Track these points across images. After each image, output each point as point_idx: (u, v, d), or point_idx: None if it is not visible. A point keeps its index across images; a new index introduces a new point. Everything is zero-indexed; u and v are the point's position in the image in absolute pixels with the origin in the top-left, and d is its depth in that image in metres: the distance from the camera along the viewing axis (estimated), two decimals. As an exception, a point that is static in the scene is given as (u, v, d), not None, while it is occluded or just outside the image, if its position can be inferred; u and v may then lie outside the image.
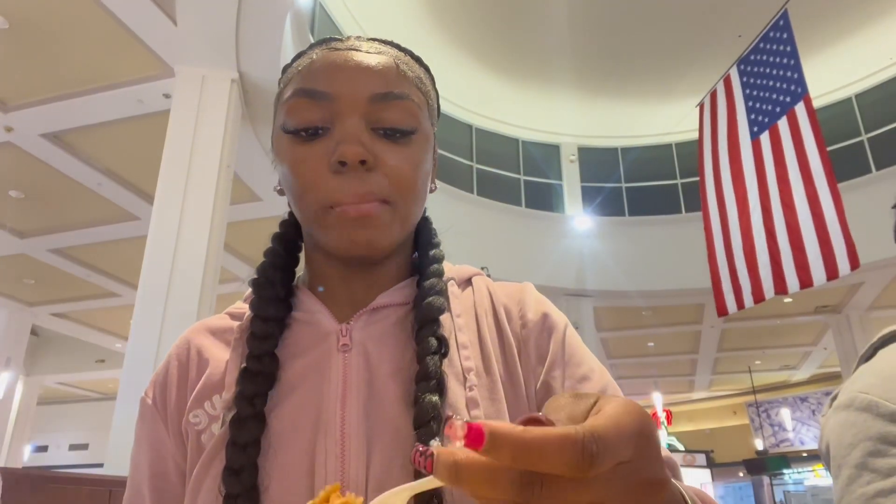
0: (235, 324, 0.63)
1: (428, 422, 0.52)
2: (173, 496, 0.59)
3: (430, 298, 0.60)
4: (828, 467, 0.86)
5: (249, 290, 0.67)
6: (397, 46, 0.64)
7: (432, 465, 0.28)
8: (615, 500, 0.28)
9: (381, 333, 0.60)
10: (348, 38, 0.63)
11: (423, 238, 0.68)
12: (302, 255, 0.68)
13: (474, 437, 0.26)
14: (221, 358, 0.61)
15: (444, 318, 0.60)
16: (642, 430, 0.29)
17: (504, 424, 0.27)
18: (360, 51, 0.60)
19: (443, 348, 0.57)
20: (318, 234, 0.59)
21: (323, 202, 0.56)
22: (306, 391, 0.57)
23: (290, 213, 0.68)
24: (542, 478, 0.27)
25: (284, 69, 0.66)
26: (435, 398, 0.53)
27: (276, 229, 0.68)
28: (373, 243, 0.57)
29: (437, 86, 0.68)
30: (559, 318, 0.65)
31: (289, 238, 0.67)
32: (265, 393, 0.55)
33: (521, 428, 0.26)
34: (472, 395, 0.56)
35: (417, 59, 0.65)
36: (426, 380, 0.54)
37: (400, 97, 0.59)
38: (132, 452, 0.63)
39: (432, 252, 0.66)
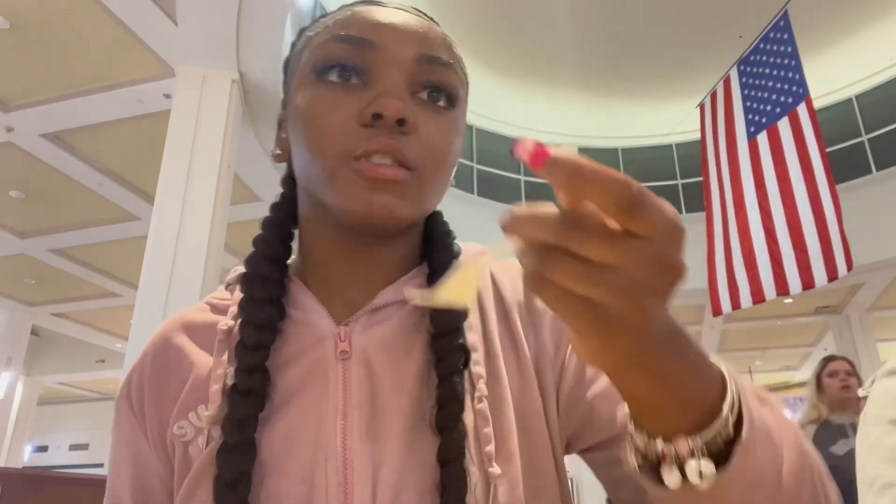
0: (218, 319, 0.56)
1: (456, 457, 0.46)
2: None
3: None
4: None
5: (232, 274, 0.61)
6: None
7: (544, 151, 0.29)
8: (637, 269, 0.29)
9: (384, 337, 0.53)
10: (390, 1, 0.56)
11: (436, 226, 0.60)
12: (293, 244, 0.60)
13: (538, 155, 0.28)
14: (204, 362, 0.54)
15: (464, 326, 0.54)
16: (676, 222, 0.30)
17: (567, 151, 0.28)
18: (409, 13, 0.55)
19: (467, 362, 0.51)
20: (329, 197, 0.51)
21: (345, 152, 0.49)
22: (301, 407, 0.50)
23: (282, 195, 0.61)
24: (583, 221, 0.28)
25: (304, 28, 0.58)
26: (462, 426, 0.47)
27: (267, 214, 0.61)
28: (391, 210, 0.49)
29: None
30: None
31: (282, 225, 0.59)
32: (255, 416, 0.48)
33: (576, 155, 0.28)
34: (481, 407, 0.50)
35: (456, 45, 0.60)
36: (452, 404, 0.48)
37: (447, 65, 0.53)
38: (110, 459, 0.57)
39: (450, 244, 0.59)
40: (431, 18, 0.58)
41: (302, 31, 0.59)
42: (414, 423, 0.49)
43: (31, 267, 8.25)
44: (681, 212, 9.78)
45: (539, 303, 0.56)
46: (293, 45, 0.59)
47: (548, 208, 0.29)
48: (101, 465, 4.17)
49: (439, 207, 0.60)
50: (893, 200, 7.90)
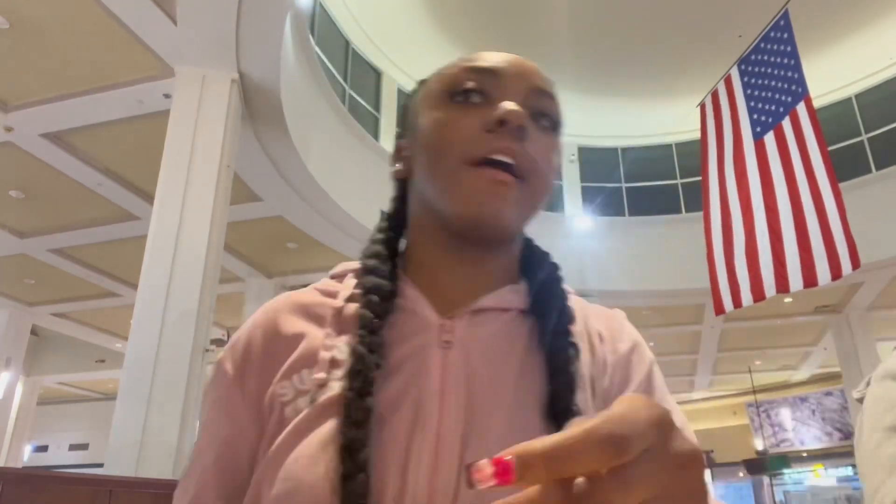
0: (327, 300, 0.62)
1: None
2: (238, 469, 0.57)
3: (564, 305, 0.61)
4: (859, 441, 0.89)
5: (339, 268, 0.67)
6: None
7: (509, 467, 0.27)
8: (657, 486, 0.28)
9: (485, 336, 0.58)
10: None
11: (531, 246, 0.70)
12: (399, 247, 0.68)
13: (503, 469, 0.26)
14: (314, 333, 0.59)
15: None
16: (661, 414, 0.29)
17: (523, 444, 0.26)
18: (522, 57, 0.65)
19: (577, 356, 0.57)
20: (445, 200, 0.58)
21: (468, 154, 0.56)
22: (404, 380, 0.55)
23: (392, 207, 0.68)
24: (587, 488, 0.27)
25: (423, 81, 0.68)
26: (579, 408, 0.53)
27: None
28: (500, 214, 0.56)
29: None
30: (647, 352, 0.65)
31: (391, 229, 0.67)
32: (372, 372, 0.54)
33: (538, 440, 0.27)
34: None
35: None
36: (570, 389, 0.54)
37: (553, 98, 0.63)
38: (203, 418, 0.61)
39: (551, 258, 0.67)
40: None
41: (424, 81, 0.67)
42: (504, 412, 0.53)
43: (31, 267, 8.26)
44: (680, 211, 9.80)
45: (622, 347, 0.63)
46: (419, 82, 0.68)
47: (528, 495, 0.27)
48: (100, 465, 4.16)
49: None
50: (893, 200, 7.90)
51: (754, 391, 14.70)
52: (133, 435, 3.88)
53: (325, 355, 0.56)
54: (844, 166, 7.93)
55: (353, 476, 0.49)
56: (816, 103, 5.32)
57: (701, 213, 6.14)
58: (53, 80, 5.17)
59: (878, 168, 8.48)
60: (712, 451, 14.35)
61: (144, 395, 3.96)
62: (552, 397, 0.54)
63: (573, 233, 9.46)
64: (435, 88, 0.62)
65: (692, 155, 9.07)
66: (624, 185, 10.39)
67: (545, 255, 0.68)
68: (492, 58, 0.62)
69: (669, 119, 9.70)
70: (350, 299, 0.60)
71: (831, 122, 8.73)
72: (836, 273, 4.59)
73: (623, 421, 0.28)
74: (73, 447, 14.54)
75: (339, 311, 0.60)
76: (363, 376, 0.53)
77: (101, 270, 8.41)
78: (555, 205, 10.21)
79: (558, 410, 0.53)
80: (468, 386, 0.55)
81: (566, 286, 0.67)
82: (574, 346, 0.58)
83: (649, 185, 10.34)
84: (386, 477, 0.50)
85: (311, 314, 0.61)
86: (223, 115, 4.80)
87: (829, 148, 4.97)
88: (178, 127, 4.74)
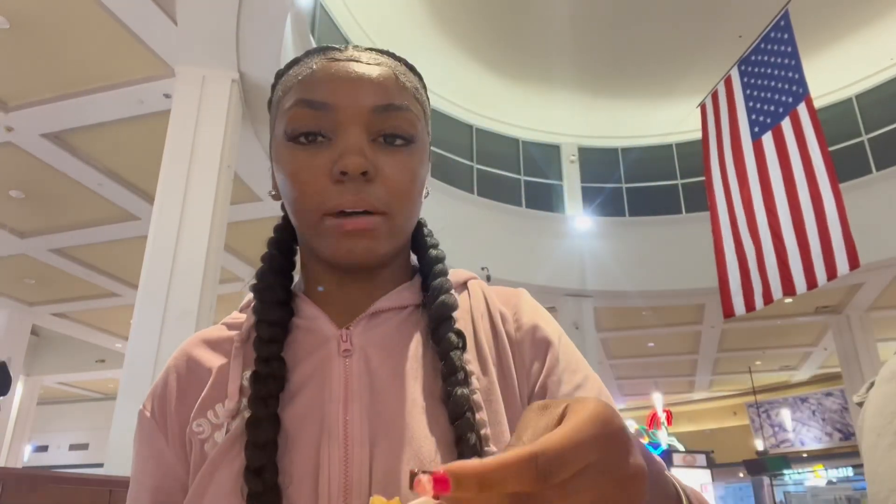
0: (233, 333, 0.64)
1: (463, 414, 0.54)
2: None
3: (444, 297, 0.61)
4: (861, 442, 0.86)
5: (245, 299, 0.68)
6: (393, 56, 0.65)
7: (444, 479, 0.28)
8: (595, 496, 0.30)
9: (382, 337, 0.61)
10: (346, 47, 0.64)
11: (419, 240, 0.69)
12: (297, 260, 0.69)
13: (441, 483, 0.28)
14: (221, 369, 0.61)
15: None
16: (606, 432, 0.31)
17: (462, 463, 0.28)
18: (361, 62, 0.61)
19: (462, 343, 0.59)
20: (314, 242, 0.60)
21: (322, 209, 0.57)
22: (309, 396, 0.57)
23: (284, 217, 0.68)
24: (524, 496, 0.29)
25: (279, 74, 0.66)
26: (466, 391, 0.55)
27: (272, 235, 0.69)
28: (370, 252, 0.58)
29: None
30: (553, 325, 0.66)
31: (285, 242, 0.68)
32: (276, 395, 0.56)
33: (478, 462, 0.28)
34: (475, 397, 0.57)
35: (412, 68, 0.67)
36: (453, 374, 0.56)
37: (400, 108, 0.60)
38: (132, 467, 0.63)
39: (434, 253, 0.67)
40: (386, 52, 0.65)
41: (279, 75, 0.66)
42: (407, 408, 0.56)
43: (31, 267, 8.26)
44: (680, 211, 9.79)
45: (525, 319, 0.65)
46: (273, 87, 0.67)
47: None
48: (100, 465, 4.16)
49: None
50: (893, 200, 7.90)
51: (754, 391, 14.71)
52: (133, 434, 3.87)
53: (233, 388, 0.59)
54: (845, 166, 7.92)
55: (260, 497, 0.51)
56: (817, 103, 5.32)
57: (701, 214, 6.15)
58: (53, 80, 5.17)
59: (878, 168, 8.47)
60: (712, 452, 14.34)
61: (144, 396, 3.95)
62: (442, 385, 0.57)
63: (573, 233, 9.45)
64: (281, 122, 0.61)
65: (692, 155, 9.06)
66: (624, 185, 10.39)
67: (430, 246, 0.68)
68: (325, 82, 0.60)
69: (670, 119, 9.70)
70: (252, 328, 0.62)
71: (832, 122, 8.73)
72: (831, 273, 4.59)
73: (563, 447, 0.29)
74: (73, 447, 14.54)
75: (242, 342, 0.62)
76: (262, 403, 0.55)
77: (101, 270, 8.41)
78: (555, 205, 10.21)
79: (446, 398, 0.56)
80: (371, 389, 0.57)
81: (461, 272, 0.69)
82: (457, 332, 0.59)
83: (649, 185, 10.34)
84: (298, 492, 0.53)
85: (218, 350, 0.64)
86: (223, 115, 4.80)
87: (830, 148, 4.97)
88: (179, 127, 4.73)
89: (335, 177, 0.57)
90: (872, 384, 0.87)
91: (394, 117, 0.60)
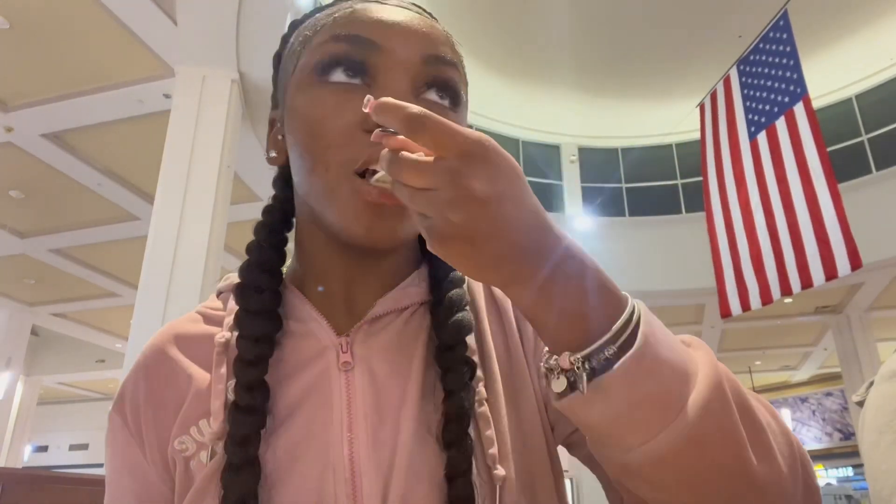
0: (212, 330, 0.55)
1: (464, 472, 0.46)
2: None
3: (460, 315, 0.52)
4: (861, 442, 0.86)
5: (224, 282, 0.60)
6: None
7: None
8: (443, 186, 0.36)
9: (385, 345, 0.52)
10: None
11: None
12: (289, 248, 0.59)
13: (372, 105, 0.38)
14: (202, 376, 0.52)
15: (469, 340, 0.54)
16: (467, 136, 0.37)
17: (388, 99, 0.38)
18: (410, 10, 0.54)
19: (470, 374, 0.50)
20: (328, 214, 0.50)
21: (347, 162, 0.48)
22: (306, 420, 0.49)
23: (275, 198, 0.59)
24: (398, 156, 0.38)
25: (295, 24, 0.57)
26: (470, 442, 0.47)
27: (260, 219, 0.59)
28: (393, 234, 0.49)
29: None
30: None
31: (275, 229, 0.58)
32: (258, 432, 0.48)
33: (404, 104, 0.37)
34: (482, 410, 0.50)
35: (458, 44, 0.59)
36: (459, 419, 0.48)
37: (451, 64, 0.53)
38: (107, 478, 0.55)
39: None
40: (431, 15, 0.57)
41: (295, 25, 0.58)
42: (420, 434, 0.48)
43: (31, 267, 8.26)
44: (680, 211, 9.79)
45: None
46: (285, 39, 0.58)
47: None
48: (100, 465, 4.13)
49: None
50: (893, 200, 7.90)
51: (754, 391, 14.69)
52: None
53: (217, 404, 0.50)
54: (844, 167, 7.92)
55: None
56: (816, 104, 5.32)
57: (701, 214, 6.14)
58: (53, 80, 5.17)
59: (878, 168, 8.47)
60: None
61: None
62: (445, 422, 0.49)
63: (573, 233, 9.36)
64: (306, 60, 0.52)
65: (692, 155, 9.06)
66: (624, 185, 10.39)
67: None
68: (370, 21, 0.51)
69: (670, 119, 9.69)
70: (234, 328, 0.53)
71: (831, 122, 8.73)
72: (830, 273, 4.59)
73: (442, 122, 0.36)
74: (73, 447, 14.54)
75: (224, 347, 0.52)
76: (240, 444, 0.47)
77: (101, 270, 8.41)
78: (555, 205, 10.21)
79: (447, 439, 0.48)
80: (377, 409, 0.49)
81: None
82: (466, 361, 0.51)
83: (649, 185, 10.34)
84: None
85: (195, 351, 0.54)
86: (223, 115, 4.80)
87: (830, 148, 4.97)
88: (179, 127, 4.73)
89: (370, 125, 0.46)
90: (872, 383, 0.87)
91: (444, 70, 0.52)
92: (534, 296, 0.38)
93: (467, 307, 0.54)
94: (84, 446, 14.37)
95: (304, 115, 0.50)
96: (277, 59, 0.59)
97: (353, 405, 0.49)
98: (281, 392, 0.50)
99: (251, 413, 0.48)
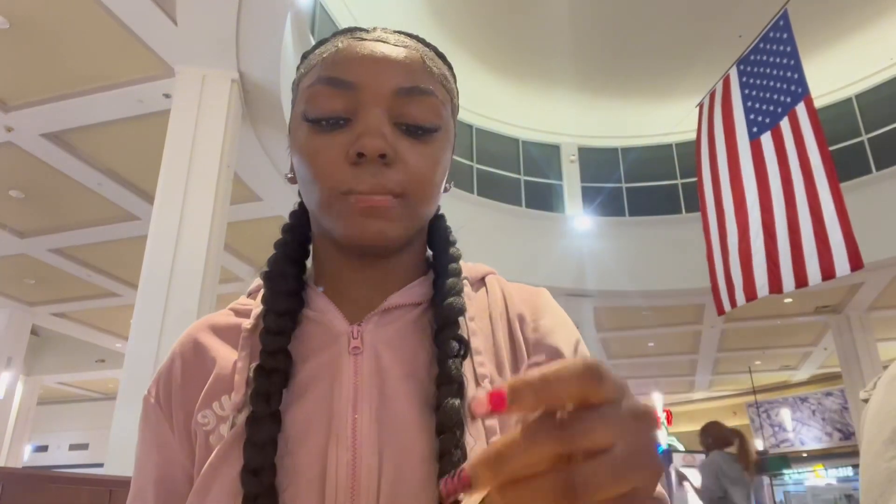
0: (241, 321, 0.62)
1: (451, 427, 0.51)
2: (179, 500, 0.57)
3: (451, 299, 0.59)
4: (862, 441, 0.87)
5: (254, 284, 0.66)
6: (423, 41, 0.63)
7: (467, 477, 0.28)
8: (619, 429, 0.30)
9: (394, 335, 0.59)
10: (374, 28, 0.62)
11: (438, 235, 0.66)
12: (311, 248, 0.67)
13: (497, 398, 0.29)
14: (228, 357, 0.59)
15: (460, 322, 0.59)
16: (622, 381, 0.32)
17: (515, 377, 0.29)
18: (388, 42, 0.59)
19: (463, 350, 0.56)
20: (327, 223, 0.57)
21: (336, 189, 0.55)
22: (317, 395, 0.55)
23: (300, 204, 0.67)
24: (572, 417, 0.29)
25: (305, 55, 0.64)
26: (457, 402, 0.52)
27: (277, 228, 0.67)
28: (383, 234, 0.55)
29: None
30: (571, 331, 0.64)
31: (299, 229, 0.66)
32: (280, 392, 0.54)
33: (530, 371, 0.29)
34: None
35: (441, 56, 0.64)
36: (448, 384, 0.53)
37: (425, 92, 0.57)
38: (136, 453, 0.61)
39: (451, 251, 0.65)
40: (415, 36, 0.62)
41: (305, 56, 0.64)
42: (419, 408, 0.54)
43: (31, 267, 8.25)
44: (680, 211, 9.80)
45: (543, 323, 0.63)
46: (298, 68, 0.65)
47: (514, 438, 0.29)
48: (100, 465, 4.17)
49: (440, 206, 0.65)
50: (893, 200, 7.90)
51: (754, 391, 14.69)
52: (133, 435, 3.83)
53: (239, 379, 0.56)
54: (845, 166, 7.92)
55: (256, 500, 0.49)
56: (817, 103, 5.31)
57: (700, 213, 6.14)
58: (53, 80, 5.17)
59: (878, 168, 8.47)
60: (712, 452, 14.35)
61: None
62: (437, 387, 0.54)
63: (573, 233, 9.45)
64: (301, 101, 0.59)
65: (692, 155, 9.05)
66: (624, 185, 10.39)
67: (447, 243, 0.66)
68: (349, 61, 0.57)
69: (669, 119, 9.69)
70: (260, 317, 0.60)
71: (831, 122, 8.73)
72: (827, 273, 4.58)
73: (597, 363, 0.31)
74: (73, 447, 14.54)
75: (250, 332, 0.59)
76: (264, 399, 0.53)
77: (101, 270, 8.41)
78: (555, 205, 10.21)
79: (436, 407, 0.53)
80: (381, 390, 0.55)
81: (480, 267, 0.68)
82: (459, 338, 0.56)
83: (649, 185, 10.34)
84: (303, 496, 0.51)
85: (225, 337, 0.61)
86: (223, 115, 4.80)
87: (830, 148, 4.97)
88: (179, 127, 4.74)
89: (351, 158, 0.54)
90: (877, 383, 0.88)
91: (417, 102, 0.57)
92: None
93: (461, 294, 0.60)
94: (84, 446, 14.37)
95: (299, 152, 0.58)
96: (293, 86, 0.66)
97: (359, 385, 0.55)
98: (299, 370, 0.57)
99: (274, 374, 0.54)
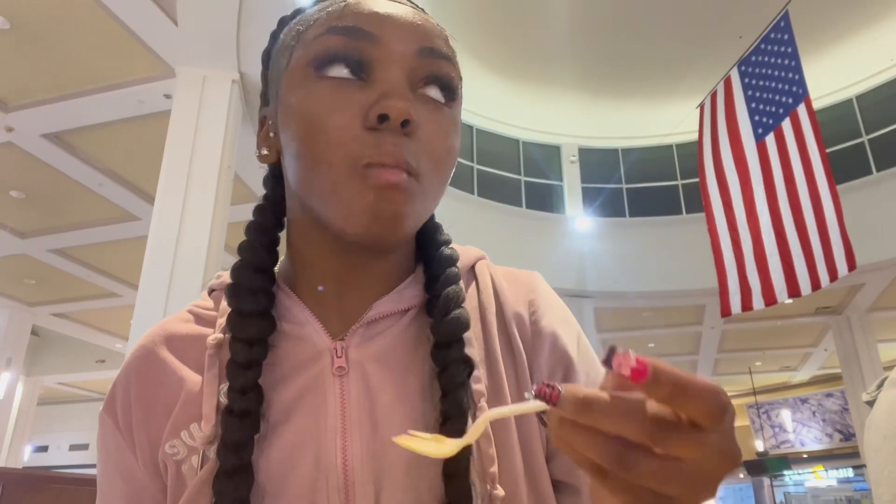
0: (204, 331, 0.54)
1: (461, 472, 0.46)
2: None
3: (456, 312, 0.51)
4: (869, 448, 0.86)
5: (217, 279, 0.58)
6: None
7: (558, 396, 0.29)
8: (708, 459, 0.30)
9: (381, 350, 0.52)
10: None
11: (430, 230, 0.59)
12: (280, 249, 0.58)
13: (641, 372, 0.28)
14: (193, 378, 0.52)
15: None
16: (733, 411, 0.31)
17: (661, 362, 0.28)
18: (403, 4, 0.53)
19: (470, 372, 0.50)
20: (331, 206, 0.48)
21: (352, 159, 0.46)
22: (299, 426, 0.48)
23: (266, 197, 0.58)
24: (675, 423, 0.29)
25: (284, 20, 0.57)
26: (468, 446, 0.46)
27: (252, 218, 0.58)
28: (398, 219, 0.47)
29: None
30: (571, 325, 0.59)
31: (268, 229, 0.57)
32: (251, 438, 0.47)
33: (677, 370, 0.28)
34: (478, 388, 0.50)
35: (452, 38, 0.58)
36: (457, 417, 0.47)
37: (446, 57, 0.52)
38: (99, 481, 0.55)
39: (448, 252, 0.57)
40: (424, 11, 0.56)
41: (284, 21, 0.57)
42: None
43: (31, 267, 8.25)
44: (681, 212, 9.80)
45: (544, 323, 0.56)
46: (274, 35, 0.57)
47: (631, 402, 0.29)
48: (100, 466, 4.15)
49: (439, 208, 0.61)
50: (893, 201, 7.90)
51: (755, 392, 14.69)
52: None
53: (208, 408, 0.49)
54: (845, 167, 7.92)
55: None
56: (817, 104, 5.33)
57: (701, 215, 6.13)
58: (53, 80, 5.17)
59: (878, 169, 8.47)
60: (712, 452, 14.32)
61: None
62: (442, 421, 0.48)
63: (573, 234, 9.45)
64: (301, 54, 0.51)
65: (693, 156, 9.04)
66: (624, 185, 10.39)
67: (442, 241, 0.58)
68: (365, 13, 0.50)
69: (670, 120, 9.69)
70: (226, 330, 0.52)
71: (832, 123, 8.73)
72: (832, 275, 4.60)
73: (726, 397, 0.29)
74: (73, 447, 14.53)
75: (216, 348, 0.52)
76: (233, 449, 0.46)
77: (101, 270, 8.41)
78: (555, 206, 10.21)
79: (444, 419, 0.48)
80: (371, 415, 0.49)
81: (471, 251, 0.60)
82: (465, 360, 0.50)
83: (650, 185, 10.34)
84: None
85: (188, 351, 0.54)
86: (224, 116, 4.80)
87: (830, 149, 4.99)
88: (179, 127, 4.74)
89: (370, 122, 0.46)
90: (884, 381, 0.87)
91: (440, 64, 0.51)
92: None
93: (464, 304, 0.53)
94: (84, 446, 14.36)
95: (300, 111, 0.49)
96: (266, 55, 0.59)
97: (346, 412, 0.49)
98: (274, 396, 0.50)
99: (244, 417, 0.47)
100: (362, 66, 0.48)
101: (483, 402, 0.50)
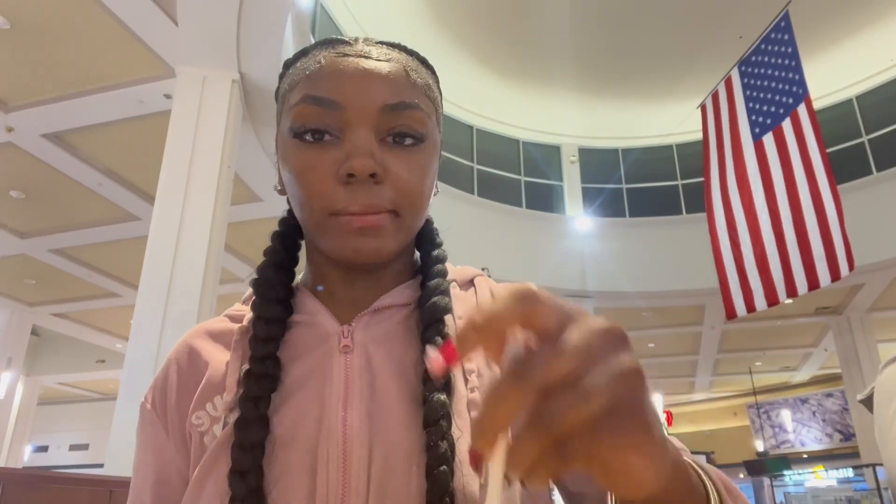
0: (235, 326, 0.63)
1: (437, 420, 0.52)
2: (175, 502, 0.58)
3: (436, 298, 0.60)
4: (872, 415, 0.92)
5: (249, 291, 0.66)
6: (405, 50, 0.64)
7: (474, 454, 0.30)
8: (607, 395, 0.28)
9: (384, 334, 0.60)
10: (356, 40, 0.62)
11: (425, 239, 0.68)
12: (302, 255, 0.67)
13: (448, 350, 0.30)
14: (222, 360, 0.60)
15: (447, 320, 0.60)
16: (613, 327, 0.32)
17: (475, 315, 0.31)
18: (370, 58, 0.59)
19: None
20: (321, 241, 0.59)
21: (328, 209, 0.56)
22: (308, 394, 0.56)
23: (290, 212, 0.67)
24: (550, 405, 0.29)
25: (287, 65, 0.65)
26: (443, 397, 0.53)
27: (277, 228, 0.68)
28: (378, 252, 0.57)
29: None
30: None
31: (289, 237, 0.67)
32: (268, 396, 0.55)
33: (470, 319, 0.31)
34: (473, 396, 0.56)
35: (424, 62, 0.65)
36: (433, 379, 0.54)
37: (410, 107, 0.58)
38: (134, 459, 0.63)
39: (435, 252, 0.66)
40: (397, 46, 0.63)
41: (287, 65, 0.65)
42: (408, 403, 0.55)
43: (31, 267, 8.26)
44: (681, 212, 9.79)
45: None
46: (281, 77, 0.66)
47: (489, 399, 0.29)
48: (101, 466, 4.18)
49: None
50: (893, 201, 7.90)
51: (755, 392, 14.70)
52: (133, 435, 3.87)
53: (231, 381, 0.58)
54: (845, 168, 7.93)
55: (242, 501, 0.50)
56: (817, 105, 5.33)
57: (701, 215, 6.14)
58: (54, 80, 5.17)
59: (878, 169, 8.47)
60: (713, 453, 14.34)
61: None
62: (421, 389, 0.55)
63: (574, 234, 9.45)
64: (287, 118, 0.60)
65: (693, 156, 9.06)
66: (624, 186, 10.39)
67: (433, 245, 0.67)
68: (333, 78, 0.58)
69: (670, 120, 9.69)
70: (251, 324, 0.61)
71: (832, 123, 8.73)
72: (835, 275, 4.60)
73: (528, 286, 0.32)
74: (73, 447, 14.54)
75: (241, 334, 0.60)
76: (252, 403, 0.54)
77: (101, 270, 8.41)
78: (555, 206, 10.21)
79: (422, 401, 0.54)
80: (371, 386, 0.56)
81: (468, 269, 0.69)
82: (444, 335, 0.58)
83: (650, 186, 10.34)
84: (294, 491, 0.52)
85: (219, 341, 0.63)
86: (224, 116, 4.80)
87: (830, 149, 4.99)
88: (179, 127, 4.74)
89: (342, 178, 0.55)
90: (888, 363, 0.91)
91: (403, 116, 0.58)
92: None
93: (446, 293, 0.61)
94: (84, 446, 14.37)
95: (287, 168, 0.59)
96: (276, 95, 0.67)
97: (349, 382, 0.56)
98: (289, 371, 0.58)
99: (263, 379, 0.55)
100: (333, 131, 0.57)
101: (473, 377, 0.57)
